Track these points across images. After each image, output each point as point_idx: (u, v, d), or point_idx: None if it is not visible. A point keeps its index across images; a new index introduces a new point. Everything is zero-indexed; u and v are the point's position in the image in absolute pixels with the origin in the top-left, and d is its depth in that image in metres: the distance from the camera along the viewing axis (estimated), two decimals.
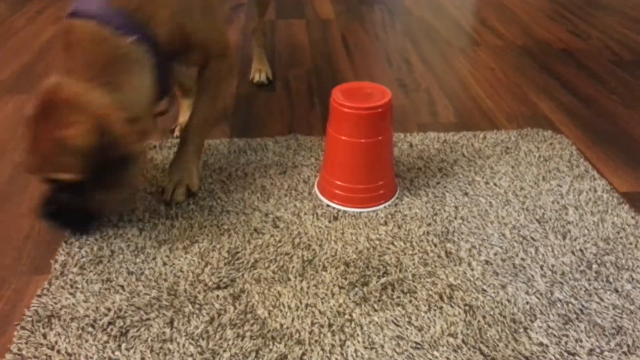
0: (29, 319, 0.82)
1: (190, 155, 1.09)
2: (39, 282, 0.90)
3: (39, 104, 0.88)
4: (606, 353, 0.77)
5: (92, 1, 0.89)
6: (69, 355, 0.76)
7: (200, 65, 1.08)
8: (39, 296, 0.86)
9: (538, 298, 0.86)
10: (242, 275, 0.90)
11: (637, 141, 1.30)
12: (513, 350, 0.77)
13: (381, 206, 1.06)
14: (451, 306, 0.84)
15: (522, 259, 0.93)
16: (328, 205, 1.07)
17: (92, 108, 0.86)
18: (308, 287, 0.88)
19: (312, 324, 0.81)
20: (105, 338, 0.79)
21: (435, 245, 0.96)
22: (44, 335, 0.79)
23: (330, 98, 1.02)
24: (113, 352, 0.77)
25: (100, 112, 0.86)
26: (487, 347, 0.77)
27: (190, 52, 1.02)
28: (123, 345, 0.78)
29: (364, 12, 2.25)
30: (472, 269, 0.91)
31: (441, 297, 0.85)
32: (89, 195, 0.92)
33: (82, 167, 0.87)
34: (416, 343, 0.78)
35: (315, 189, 1.11)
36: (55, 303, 0.85)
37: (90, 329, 0.80)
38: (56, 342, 0.78)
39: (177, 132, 1.30)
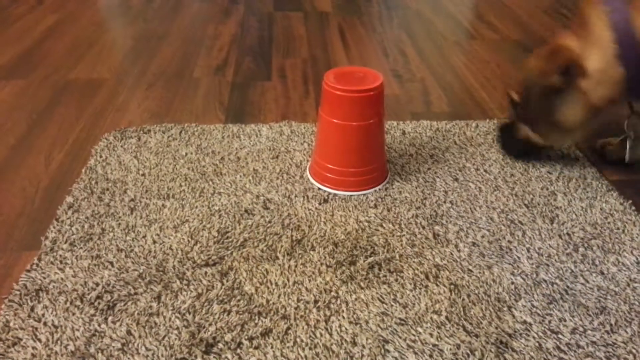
0: (17, 292, 0.83)
1: None
2: (29, 258, 0.90)
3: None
4: (589, 332, 0.77)
5: None
6: (55, 327, 0.77)
7: None
8: (28, 271, 0.87)
9: (523, 279, 0.86)
10: (231, 253, 0.91)
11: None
12: (496, 328, 0.78)
13: (372, 190, 1.07)
14: (437, 285, 0.85)
15: (509, 242, 0.94)
16: (319, 189, 1.07)
17: (555, 42, 0.98)
18: (296, 266, 0.88)
19: (298, 300, 0.82)
20: (92, 311, 0.80)
21: (424, 228, 0.97)
22: (32, 308, 0.80)
23: (323, 81, 1.02)
24: (99, 325, 0.77)
25: (557, 44, 0.97)
26: (470, 324, 0.78)
27: None
28: (109, 319, 0.78)
29: (362, 5, 2.26)
30: (459, 250, 0.92)
31: (427, 277, 0.86)
32: (521, 124, 1.09)
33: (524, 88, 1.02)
34: (400, 319, 0.78)
35: (307, 173, 1.12)
36: (44, 278, 0.85)
37: (77, 303, 0.81)
38: (43, 315, 0.79)
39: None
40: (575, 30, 0.97)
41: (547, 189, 1.08)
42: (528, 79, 0.99)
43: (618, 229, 0.97)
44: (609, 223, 0.99)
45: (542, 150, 1.13)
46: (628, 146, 1.08)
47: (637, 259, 0.90)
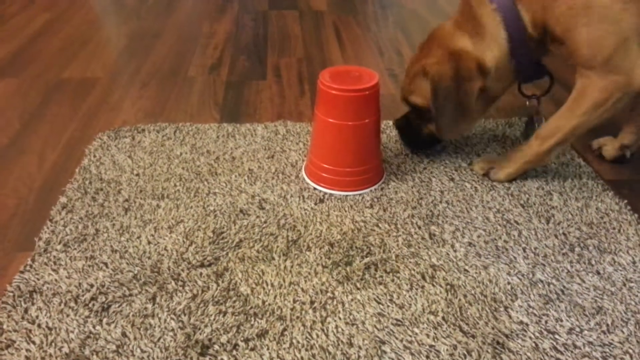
0: (10, 294, 0.82)
1: (519, 150, 1.08)
2: (23, 259, 0.89)
3: (426, 39, 1.08)
4: (585, 332, 0.77)
5: None
6: (50, 329, 0.76)
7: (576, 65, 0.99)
8: (22, 272, 0.86)
9: (519, 279, 0.86)
10: (227, 254, 0.90)
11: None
12: (493, 328, 0.77)
13: (367, 190, 1.06)
14: (433, 285, 0.84)
15: (505, 242, 0.94)
16: (315, 189, 1.07)
17: (452, 45, 1.01)
18: (292, 266, 0.88)
19: (294, 301, 0.81)
20: (86, 313, 0.79)
21: (420, 228, 0.97)
22: (25, 310, 0.79)
23: (318, 80, 1.02)
24: (94, 327, 0.77)
25: (457, 49, 1.00)
26: (467, 324, 0.78)
27: (559, 47, 0.97)
28: (104, 320, 0.78)
29: (357, 4, 2.26)
30: (455, 250, 0.92)
31: (423, 277, 0.86)
32: (424, 122, 1.11)
33: (426, 96, 1.04)
34: (397, 320, 0.78)
35: (303, 173, 1.11)
36: (38, 279, 0.85)
37: (72, 304, 0.80)
38: (37, 317, 0.78)
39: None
40: (466, 29, 1.01)
41: (543, 188, 1.08)
42: (438, 84, 1.00)
43: (614, 228, 0.97)
44: (604, 223, 0.99)
45: (441, 141, 1.19)
46: (537, 126, 1.17)
47: (633, 258, 0.90)
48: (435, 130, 1.09)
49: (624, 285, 0.85)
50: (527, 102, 1.15)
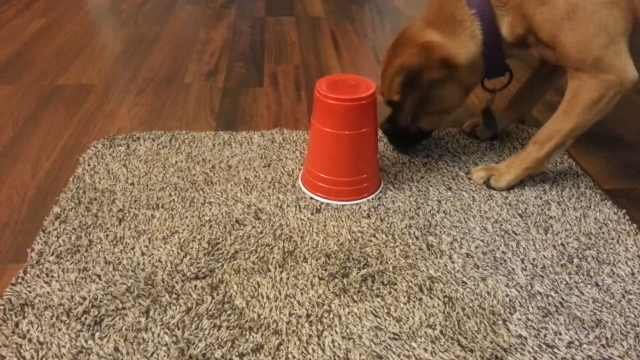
0: (1, 307, 0.80)
1: (518, 157, 1.09)
2: (14, 271, 0.88)
3: (397, 39, 1.10)
4: (585, 346, 0.76)
5: None
6: (41, 344, 0.75)
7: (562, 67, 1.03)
8: (13, 285, 0.84)
9: (518, 291, 0.85)
10: (222, 265, 0.89)
11: (621, 139, 1.31)
12: (491, 342, 0.76)
13: (364, 199, 1.05)
14: (430, 298, 0.83)
15: (503, 252, 0.93)
16: (311, 198, 1.06)
17: (421, 39, 1.04)
18: (288, 278, 0.87)
19: (290, 314, 0.80)
20: (79, 327, 0.78)
21: (417, 238, 0.96)
22: (16, 324, 0.78)
23: (315, 89, 1.01)
24: (86, 341, 0.75)
25: (425, 41, 1.03)
26: (465, 338, 0.77)
27: (547, 50, 0.99)
28: (97, 335, 0.76)
29: (354, 11, 2.25)
30: (453, 262, 0.91)
31: (421, 289, 0.85)
32: (409, 116, 1.12)
33: (402, 86, 1.07)
34: (394, 334, 0.77)
35: (299, 182, 1.10)
36: (30, 292, 0.83)
37: (64, 318, 0.79)
38: (28, 331, 0.77)
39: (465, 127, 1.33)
40: (438, 26, 1.04)
41: (541, 198, 1.07)
42: (409, 76, 1.05)
43: (612, 239, 0.96)
44: (603, 233, 0.98)
45: (429, 134, 1.23)
46: (497, 118, 1.26)
47: (632, 270, 0.90)
48: (408, 120, 1.13)
49: (623, 297, 0.84)
50: (487, 95, 1.21)
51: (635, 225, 1.00)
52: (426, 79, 1.05)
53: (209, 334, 0.77)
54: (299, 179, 1.11)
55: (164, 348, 0.74)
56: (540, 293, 0.85)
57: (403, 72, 1.05)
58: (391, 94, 1.11)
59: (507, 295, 0.84)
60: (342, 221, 1.00)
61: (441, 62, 1.03)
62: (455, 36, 1.03)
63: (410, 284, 0.86)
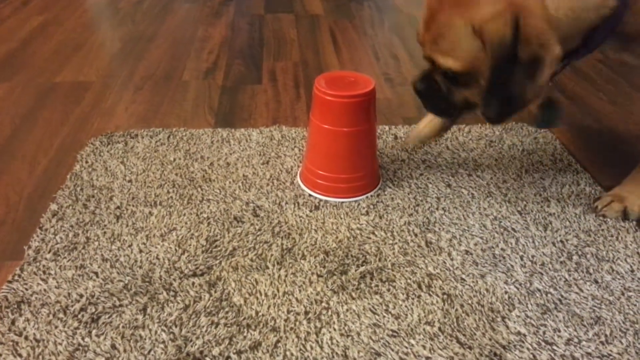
0: None
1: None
2: (11, 269, 0.88)
3: None
4: (584, 343, 0.76)
5: None
6: (37, 341, 0.74)
7: None
8: (10, 282, 0.84)
9: (517, 288, 0.85)
10: (220, 263, 0.89)
11: (621, 137, 1.30)
12: (490, 339, 0.76)
13: (363, 196, 1.05)
14: (429, 295, 0.83)
15: (502, 250, 0.92)
16: (310, 195, 1.05)
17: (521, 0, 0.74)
18: (286, 275, 0.86)
19: (288, 311, 0.80)
20: (75, 324, 0.77)
21: (416, 235, 0.95)
22: (13, 321, 0.77)
23: (314, 86, 1.01)
24: (83, 339, 0.75)
25: (527, 8, 0.74)
26: (464, 335, 0.76)
27: None
28: (93, 332, 0.76)
29: (353, 9, 2.25)
30: (452, 259, 0.90)
31: (420, 286, 0.84)
32: (458, 88, 0.86)
33: (469, 60, 0.80)
34: (393, 331, 0.77)
35: (298, 179, 1.10)
36: (26, 289, 0.83)
37: (60, 315, 0.78)
38: (24, 328, 0.76)
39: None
40: None
41: (541, 195, 1.07)
42: (499, 50, 0.77)
43: (612, 236, 0.96)
44: (602, 230, 0.97)
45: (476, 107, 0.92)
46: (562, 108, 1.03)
47: (631, 267, 0.89)
48: (480, 112, 0.87)
49: (622, 294, 0.84)
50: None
51: (634, 222, 1.00)
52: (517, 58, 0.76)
53: (206, 331, 0.76)
54: (298, 176, 1.11)
55: (162, 345, 0.74)
56: (539, 290, 0.84)
57: (486, 41, 0.77)
58: (437, 53, 0.83)
59: (506, 292, 0.84)
60: (341, 218, 0.99)
61: (548, 40, 0.75)
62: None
63: (408, 281, 0.86)
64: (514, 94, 0.79)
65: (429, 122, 1.11)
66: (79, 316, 0.78)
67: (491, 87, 0.81)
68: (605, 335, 0.77)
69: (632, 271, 0.89)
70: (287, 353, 0.73)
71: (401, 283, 0.85)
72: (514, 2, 0.74)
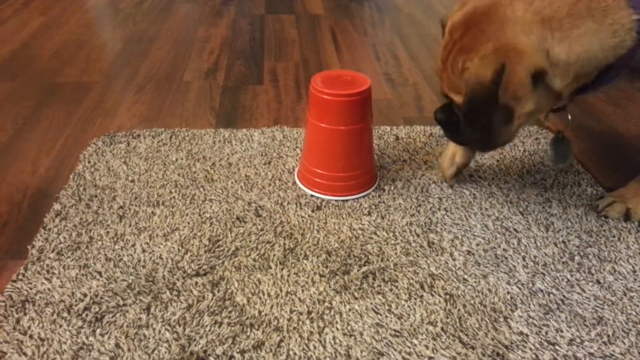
0: (2, 304, 0.80)
1: None
2: (15, 268, 0.88)
3: (474, 8, 0.82)
4: (586, 343, 0.76)
5: None
6: (42, 340, 0.75)
7: None
8: (14, 281, 0.84)
9: (519, 288, 0.85)
10: (223, 262, 0.89)
11: (622, 138, 1.31)
12: (492, 339, 0.76)
13: (363, 194, 1.05)
14: (432, 295, 0.83)
15: (504, 250, 0.93)
16: (312, 195, 1.06)
17: (512, 46, 0.77)
18: (289, 275, 0.87)
19: (291, 311, 0.80)
20: (79, 323, 0.77)
21: (418, 236, 0.96)
22: (17, 320, 0.78)
23: (310, 85, 1.01)
24: (87, 338, 0.75)
25: (515, 56, 0.77)
26: (466, 335, 0.77)
27: None
28: (97, 331, 0.76)
29: (354, 9, 2.25)
30: (454, 259, 0.90)
31: (422, 286, 0.85)
32: (462, 121, 0.89)
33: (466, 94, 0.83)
34: (395, 331, 0.77)
35: (295, 178, 1.10)
36: (31, 288, 0.83)
37: (65, 314, 0.79)
38: (29, 327, 0.77)
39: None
40: (558, 20, 0.78)
41: (542, 195, 1.07)
42: (473, 92, 0.82)
43: (614, 236, 0.96)
44: (604, 231, 0.98)
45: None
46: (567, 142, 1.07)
47: (633, 267, 0.90)
48: (461, 139, 0.93)
49: (625, 294, 0.84)
50: (550, 118, 0.96)
51: (636, 222, 1.00)
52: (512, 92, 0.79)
53: (210, 330, 0.77)
54: (295, 174, 1.11)
55: (165, 344, 0.74)
56: (541, 290, 0.85)
57: (463, 76, 0.83)
58: (452, 90, 0.88)
59: (508, 293, 0.84)
60: (343, 218, 1.00)
61: (522, 96, 0.79)
62: (589, 37, 0.77)
63: (411, 281, 0.86)
64: (492, 131, 0.83)
65: (456, 152, 1.08)
66: (83, 315, 0.79)
67: (465, 120, 0.86)
68: (608, 336, 0.77)
69: (634, 272, 0.89)
70: (290, 352, 0.74)
71: (404, 283, 0.85)
72: (506, 46, 0.77)
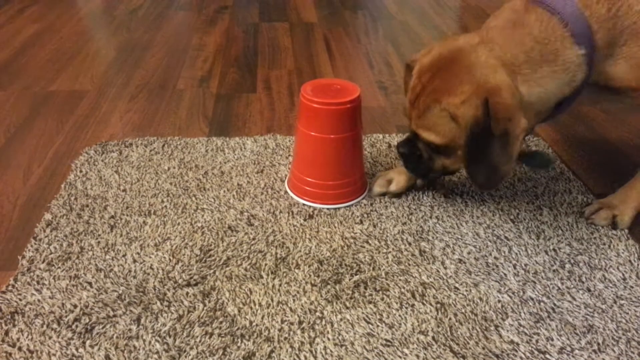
0: None
1: (633, 189, 1.01)
2: (5, 279, 0.87)
3: (440, 54, 0.89)
4: (577, 351, 0.77)
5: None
6: (31, 352, 0.74)
7: None
8: (3, 292, 0.84)
9: (510, 296, 0.85)
10: (214, 272, 0.89)
11: (613, 145, 1.32)
12: (483, 348, 0.76)
13: (352, 202, 1.05)
14: (423, 304, 0.83)
15: (496, 258, 0.93)
16: (304, 204, 1.06)
17: (487, 84, 0.82)
18: (280, 285, 0.86)
19: (282, 321, 0.80)
20: (69, 335, 0.77)
21: (410, 244, 0.96)
22: (6, 332, 0.77)
23: (300, 94, 1.01)
24: (77, 349, 0.75)
25: (493, 90, 0.82)
26: (457, 344, 0.77)
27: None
28: (87, 342, 0.76)
29: (347, 17, 2.26)
30: (446, 267, 0.91)
31: (413, 295, 0.85)
32: (439, 156, 0.95)
33: (448, 136, 0.88)
34: (386, 340, 0.77)
35: (286, 186, 1.10)
36: (20, 299, 0.83)
37: (54, 326, 0.78)
38: (18, 339, 0.76)
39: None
40: (519, 62, 0.85)
41: (533, 203, 1.07)
42: (473, 129, 0.85)
43: (604, 244, 0.97)
44: (595, 238, 0.98)
45: (455, 172, 1.03)
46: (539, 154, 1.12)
47: (623, 275, 0.90)
48: (471, 180, 0.93)
49: (615, 302, 0.85)
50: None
51: (626, 230, 1.00)
52: (491, 132, 0.83)
53: (200, 341, 0.76)
54: (286, 183, 1.11)
55: (155, 356, 0.74)
56: (532, 299, 0.85)
57: (460, 124, 0.86)
58: (420, 128, 0.92)
59: (499, 301, 0.84)
60: (335, 227, 1.00)
61: (514, 115, 0.82)
62: (546, 79, 0.85)
63: (402, 290, 0.86)
64: (494, 163, 0.86)
65: (395, 179, 1.09)
66: (73, 327, 0.78)
67: (470, 158, 0.88)
68: (598, 344, 0.78)
69: (624, 279, 0.89)
70: None
71: (395, 292, 0.85)
72: (483, 85, 0.83)
